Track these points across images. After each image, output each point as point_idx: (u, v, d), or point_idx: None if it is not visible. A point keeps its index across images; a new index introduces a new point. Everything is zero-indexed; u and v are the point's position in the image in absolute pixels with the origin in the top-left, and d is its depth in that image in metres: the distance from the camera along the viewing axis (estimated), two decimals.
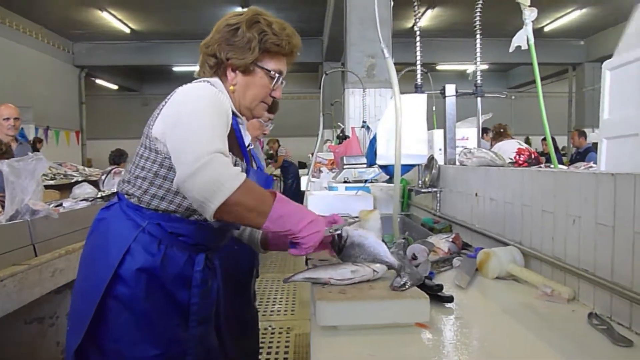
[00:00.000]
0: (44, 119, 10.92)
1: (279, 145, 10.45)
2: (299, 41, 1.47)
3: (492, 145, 5.08)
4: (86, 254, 1.39)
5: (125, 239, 1.29)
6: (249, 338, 2.38)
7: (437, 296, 1.29)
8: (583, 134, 7.96)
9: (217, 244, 1.47)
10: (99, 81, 14.77)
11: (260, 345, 2.80)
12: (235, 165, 1.31)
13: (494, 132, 5.43)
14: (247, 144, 1.46)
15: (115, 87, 15.70)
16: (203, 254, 1.39)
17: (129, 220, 1.32)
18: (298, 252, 1.22)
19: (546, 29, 11.58)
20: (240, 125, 1.44)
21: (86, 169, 6.10)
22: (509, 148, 4.39)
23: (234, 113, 1.39)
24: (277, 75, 1.43)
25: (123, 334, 1.28)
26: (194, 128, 1.18)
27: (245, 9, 1.45)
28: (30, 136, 9.40)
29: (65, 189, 4.29)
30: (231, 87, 1.40)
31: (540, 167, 2.07)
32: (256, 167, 1.54)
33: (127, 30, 11.75)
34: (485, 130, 5.89)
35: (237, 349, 2.24)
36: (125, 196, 1.35)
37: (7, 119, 4.44)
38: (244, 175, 1.13)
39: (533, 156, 2.14)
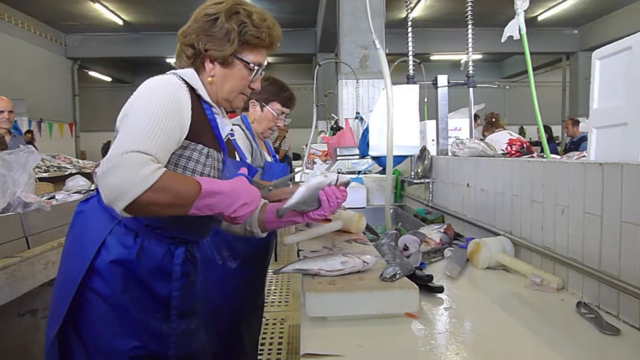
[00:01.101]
0: (37, 111, 10.85)
1: (284, 138, 10.41)
2: (280, 32, 1.45)
3: (484, 136, 5.09)
4: (65, 247, 1.39)
5: (101, 231, 1.28)
6: (256, 323, 2.40)
7: (428, 286, 1.30)
8: (577, 123, 7.91)
9: (196, 237, 1.46)
10: (92, 73, 14.68)
11: None
12: (208, 156, 1.32)
13: (486, 122, 5.40)
14: (224, 135, 1.45)
15: (108, 79, 15.60)
16: (183, 247, 1.38)
17: (105, 213, 1.31)
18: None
19: (540, 18, 11.56)
20: (216, 116, 1.42)
21: (80, 161, 6.07)
22: (500, 139, 4.37)
23: (209, 104, 1.39)
24: (256, 67, 1.40)
25: (102, 326, 1.28)
26: (130, 126, 1.17)
27: None
28: (24, 129, 9.34)
29: (59, 181, 4.26)
30: (209, 79, 1.38)
31: (532, 156, 2.07)
32: (239, 159, 1.52)
33: (120, 22, 11.65)
34: (475, 118, 5.90)
35: (245, 333, 2.27)
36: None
37: (2, 112, 4.42)
38: (158, 174, 1.10)
39: (525, 146, 2.14)
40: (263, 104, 2.34)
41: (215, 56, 1.35)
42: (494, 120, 5.31)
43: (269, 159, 2.39)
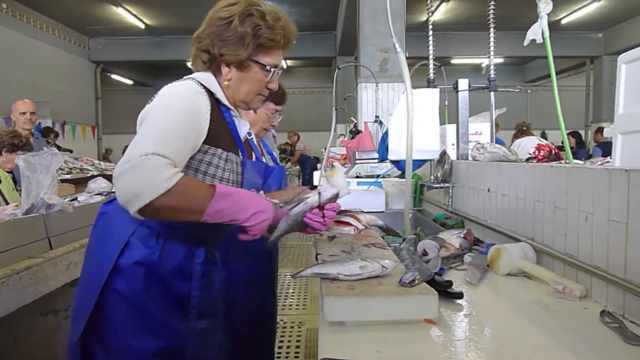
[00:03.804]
0: (61, 114, 11.04)
1: (298, 139, 10.44)
2: (295, 29, 1.42)
3: (512, 142, 5.07)
4: (89, 247, 1.41)
5: (124, 232, 1.30)
6: (268, 331, 2.38)
7: (447, 292, 1.28)
8: (600, 130, 8.38)
9: (217, 237, 1.47)
10: (114, 76, 14.89)
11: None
12: (227, 160, 1.33)
13: (517, 130, 5.40)
14: (243, 136, 1.45)
15: (130, 82, 15.82)
16: (203, 247, 1.39)
17: (128, 214, 1.30)
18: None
19: (563, 22, 11.39)
20: (234, 118, 1.43)
21: (102, 163, 6.18)
22: (528, 144, 4.38)
23: (227, 107, 1.39)
24: (272, 69, 1.40)
25: (123, 326, 1.29)
26: (148, 128, 1.19)
27: None
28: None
29: (81, 183, 4.34)
30: (225, 83, 1.38)
31: (560, 163, 2.04)
32: (255, 158, 1.53)
33: (142, 26, 11.82)
34: (496, 125, 5.90)
35: (253, 341, 2.25)
36: None
37: (24, 113, 4.53)
38: (175, 179, 1.11)
39: (553, 152, 2.11)
40: None
41: (231, 60, 1.35)
42: (525, 129, 5.32)
43: (262, 159, 2.37)
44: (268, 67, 1.38)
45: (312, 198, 1.39)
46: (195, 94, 1.28)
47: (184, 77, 1.37)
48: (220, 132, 1.34)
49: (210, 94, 1.34)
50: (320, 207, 1.38)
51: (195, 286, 1.37)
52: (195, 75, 1.38)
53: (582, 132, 12.48)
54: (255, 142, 2.33)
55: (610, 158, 1.63)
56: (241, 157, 1.40)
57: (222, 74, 1.38)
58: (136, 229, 1.31)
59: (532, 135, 5.22)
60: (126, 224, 1.31)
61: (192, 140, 1.24)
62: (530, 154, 2.06)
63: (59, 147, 6.67)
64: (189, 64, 1.50)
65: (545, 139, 9.04)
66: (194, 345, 1.37)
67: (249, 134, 1.54)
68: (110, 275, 1.28)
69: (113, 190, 3.26)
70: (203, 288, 1.39)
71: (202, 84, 1.33)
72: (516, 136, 5.29)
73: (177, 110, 1.22)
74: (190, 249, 1.37)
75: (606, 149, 7.79)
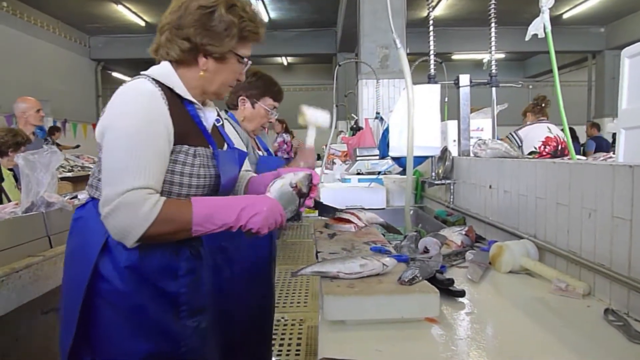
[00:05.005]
0: (62, 112, 11.05)
1: (286, 130, 10.30)
2: (264, 24, 1.41)
3: (525, 117, 4.51)
4: (67, 255, 1.37)
5: (101, 234, 1.25)
6: (266, 328, 2.37)
7: (449, 290, 1.27)
8: (595, 125, 8.73)
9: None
10: (115, 74, 14.89)
11: (273, 336, 2.80)
12: (195, 155, 1.30)
13: (533, 105, 4.61)
14: (210, 126, 1.41)
15: (130, 80, 15.82)
16: (186, 245, 1.36)
17: None
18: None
19: (565, 16, 11.35)
20: (198, 111, 1.38)
21: None
22: (537, 134, 3.94)
23: (189, 101, 1.34)
24: (247, 61, 1.38)
25: (112, 331, 1.26)
26: (114, 162, 1.18)
27: None
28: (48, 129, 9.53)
29: (81, 181, 4.34)
30: (201, 73, 1.33)
31: (562, 159, 2.02)
32: (227, 146, 1.49)
33: (142, 24, 11.81)
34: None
35: (252, 339, 2.25)
36: (94, 199, 1.33)
37: (38, 110, 4.61)
38: (157, 208, 1.15)
39: (560, 147, 2.06)
40: (254, 100, 2.26)
41: (212, 51, 1.30)
42: (543, 105, 4.52)
43: (260, 153, 2.34)
44: (245, 60, 1.37)
45: (288, 174, 1.40)
46: (151, 98, 1.24)
47: (137, 76, 1.31)
48: (185, 128, 1.29)
49: (168, 89, 1.29)
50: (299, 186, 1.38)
51: (182, 283, 1.34)
52: (150, 71, 1.32)
53: (584, 128, 12.49)
54: (250, 141, 2.31)
55: (611, 153, 1.61)
56: (211, 149, 1.36)
57: (199, 64, 1.32)
58: None
59: (547, 118, 4.49)
60: (102, 226, 1.24)
61: (163, 152, 1.23)
62: (535, 148, 2.01)
63: (58, 145, 6.67)
64: None
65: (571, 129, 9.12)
66: (188, 344, 1.34)
67: (217, 120, 1.48)
68: (93, 280, 1.25)
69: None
70: (191, 285, 1.36)
71: (157, 81, 1.28)
72: (534, 112, 4.54)
73: (136, 133, 1.18)
74: (173, 246, 1.33)
75: (600, 142, 7.94)
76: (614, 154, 1.64)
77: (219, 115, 1.51)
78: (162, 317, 1.30)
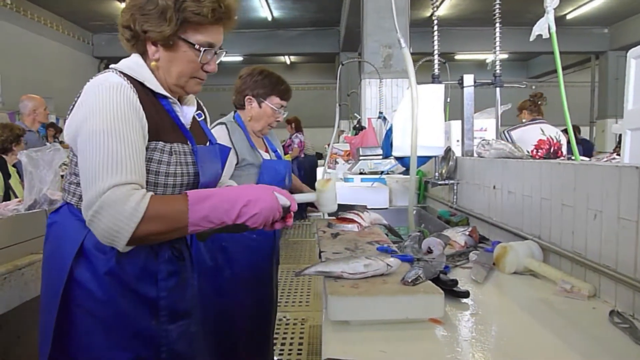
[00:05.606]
0: (65, 110, 10.93)
1: (298, 129, 10.22)
2: (232, 3, 1.25)
3: (521, 114, 4.44)
4: (44, 262, 1.29)
5: (76, 240, 1.18)
6: (268, 328, 2.37)
7: (452, 291, 1.26)
8: (576, 128, 8.59)
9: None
10: None
11: (275, 336, 2.80)
12: (171, 153, 1.23)
13: (530, 102, 4.47)
14: (188, 122, 1.34)
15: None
16: (167, 244, 1.29)
17: (78, 220, 1.19)
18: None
19: (569, 17, 11.32)
20: (174, 105, 1.29)
21: None
22: (530, 137, 3.71)
23: (162, 95, 1.26)
24: (203, 49, 1.23)
25: (91, 341, 1.19)
26: (90, 159, 1.09)
27: None
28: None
29: None
30: (153, 63, 1.24)
31: (563, 159, 2.01)
32: (209, 142, 1.42)
33: None
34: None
35: (253, 339, 2.24)
36: (68, 203, 1.27)
37: (45, 108, 4.65)
38: (145, 203, 1.05)
39: (552, 149, 2.05)
40: (261, 99, 2.22)
41: (155, 38, 1.20)
42: (539, 103, 4.38)
43: (265, 156, 2.27)
44: (197, 47, 1.22)
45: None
46: (119, 92, 1.15)
47: (106, 70, 1.24)
48: (159, 123, 1.22)
49: (138, 82, 1.21)
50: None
51: (162, 287, 1.27)
52: (119, 64, 1.25)
53: (587, 129, 12.49)
54: (257, 142, 2.29)
55: (615, 154, 1.61)
56: (190, 145, 1.29)
57: (149, 53, 1.24)
58: (87, 234, 1.18)
59: (542, 116, 4.37)
60: (78, 229, 1.19)
61: (141, 146, 1.14)
62: (527, 152, 2.00)
63: (61, 143, 6.68)
64: None
65: (579, 131, 9.08)
66: (172, 349, 1.28)
67: (199, 115, 1.41)
68: (70, 288, 1.18)
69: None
70: (173, 289, 1.29)
71: (127, 75, 1.20)
72: (530, 110, 4.40)
73: (110, 129, 1.10)
74: (152, 248, 1.26)
75: (587, 146, 7.82)
76: (618, 155, 1.64)
77: (202, 110, 1.44)
78: (141, 323, 1.24)
